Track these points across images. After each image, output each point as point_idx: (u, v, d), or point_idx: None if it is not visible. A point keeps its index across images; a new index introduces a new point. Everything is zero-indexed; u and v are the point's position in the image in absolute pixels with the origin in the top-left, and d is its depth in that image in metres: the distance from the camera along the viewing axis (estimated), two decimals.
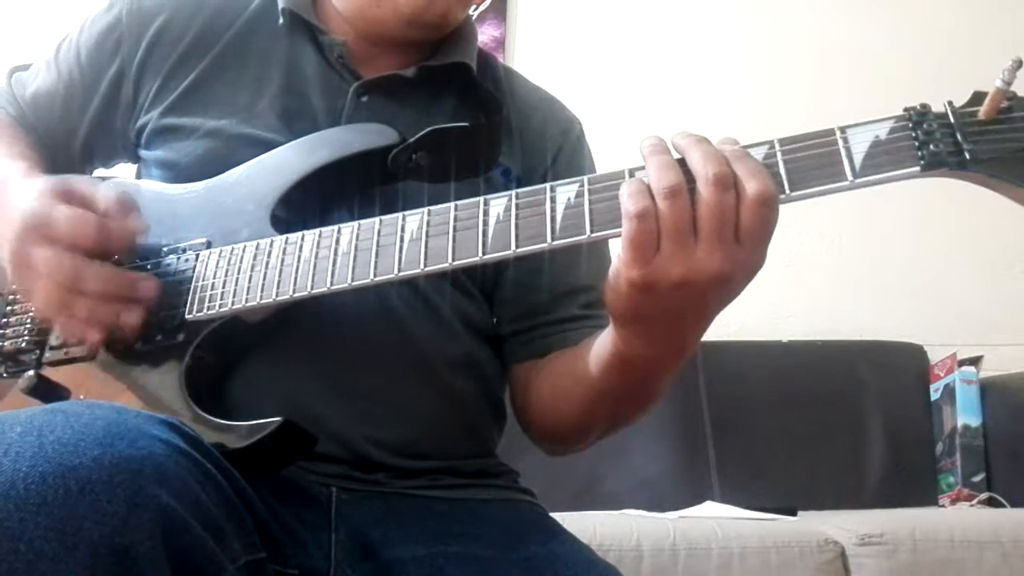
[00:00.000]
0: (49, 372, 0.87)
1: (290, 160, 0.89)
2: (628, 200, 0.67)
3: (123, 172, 1.06)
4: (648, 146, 0.69)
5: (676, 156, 0.69)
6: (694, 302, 0.69)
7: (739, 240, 0.66)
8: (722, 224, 0.66)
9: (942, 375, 2.32)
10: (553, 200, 0.73)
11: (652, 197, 0.66)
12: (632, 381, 0.82)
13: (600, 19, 2.72)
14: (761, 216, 0.66)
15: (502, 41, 2.68)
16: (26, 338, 0.89)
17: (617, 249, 0.70)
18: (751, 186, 0.65)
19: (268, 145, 0.92)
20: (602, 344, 0.81)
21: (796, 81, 2.65)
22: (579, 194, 0.72)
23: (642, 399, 0.87)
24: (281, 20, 0.99)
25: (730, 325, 2.40)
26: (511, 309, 1.00)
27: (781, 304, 2.47)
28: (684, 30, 2.73)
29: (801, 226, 2.39)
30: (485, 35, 2.62)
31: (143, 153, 1.00)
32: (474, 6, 1.02)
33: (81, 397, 0.85)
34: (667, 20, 2.73)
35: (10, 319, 0.92)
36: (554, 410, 0.94)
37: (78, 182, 0.86)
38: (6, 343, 0.90)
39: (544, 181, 0.97)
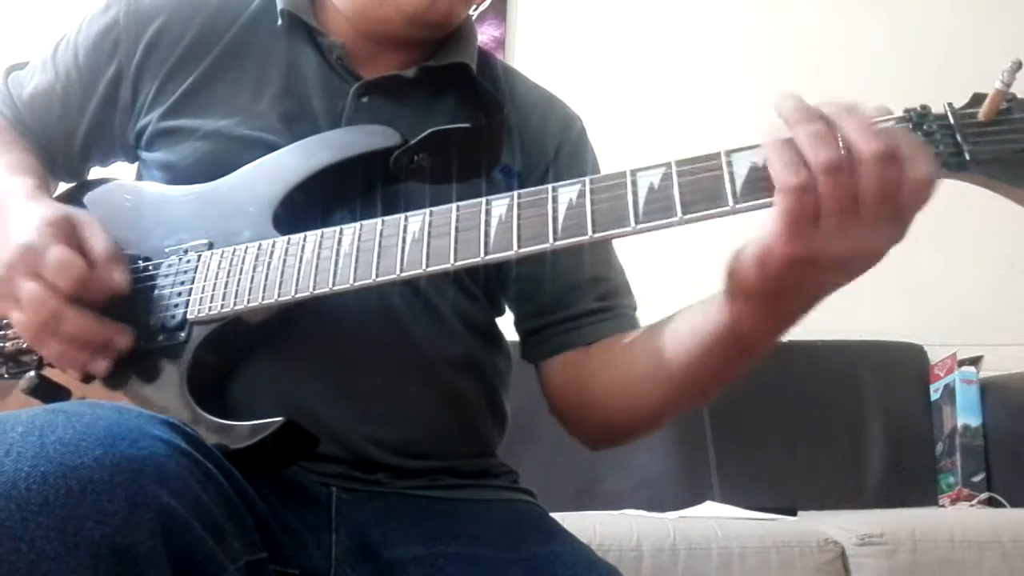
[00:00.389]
0: (50, 372, 0.87)
1: (292, 162, 0.89)
2: (785, 171, 0.63)
3: (121, 171, 1.06)
4: (794, 112, 0.65)
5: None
6: (838, 277, 0.68)
7: (897, 216, 0.64)
8: (885, 201, 0.63)
9: (942, 375, 2.32)
10: (555, 200, 0.73)
11: (810, 169, 0.63)
12: (732, 359, 0.80)
13: (600, 19, 2.73)
14: (923, 197, 0.63)
15: (502, 41, 2.68)
16: None
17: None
18: (919, 168, 0.63)
19: (268, 147, 0.92)
20: (698, 324, 0.78)
21: (796, 81, 2.63)
22: (581, 194, 0.73)
23: (729, 379, 0.84)
24: (280, 21, 0.99)
25: None
26: (525, 307, 1.00)
27: None
28: (684, 30, 2.73)
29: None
30: (485, 35, 2.62)
31: (143, 155, 1.00)
32: (475, 6, 1.02)
33: (82, 397, 0.85)
34: (667, 20, 2.73)
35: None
36: (622, 403, 0.92)
37: (80, 220, 0.86)
38: (7, 344, 0.90)
39: (546, 179, 0.98)
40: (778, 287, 0.69)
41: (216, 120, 0.95)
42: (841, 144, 0.63)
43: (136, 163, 1.04)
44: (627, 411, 0.93)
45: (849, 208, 0.63)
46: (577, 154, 1.05)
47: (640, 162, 0.72)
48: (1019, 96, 0.66)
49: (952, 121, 0.66)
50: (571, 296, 0.98)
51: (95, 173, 1.08)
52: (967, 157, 0.65)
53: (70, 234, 0.84)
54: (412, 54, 1.00)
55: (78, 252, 0.83)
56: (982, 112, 0.66)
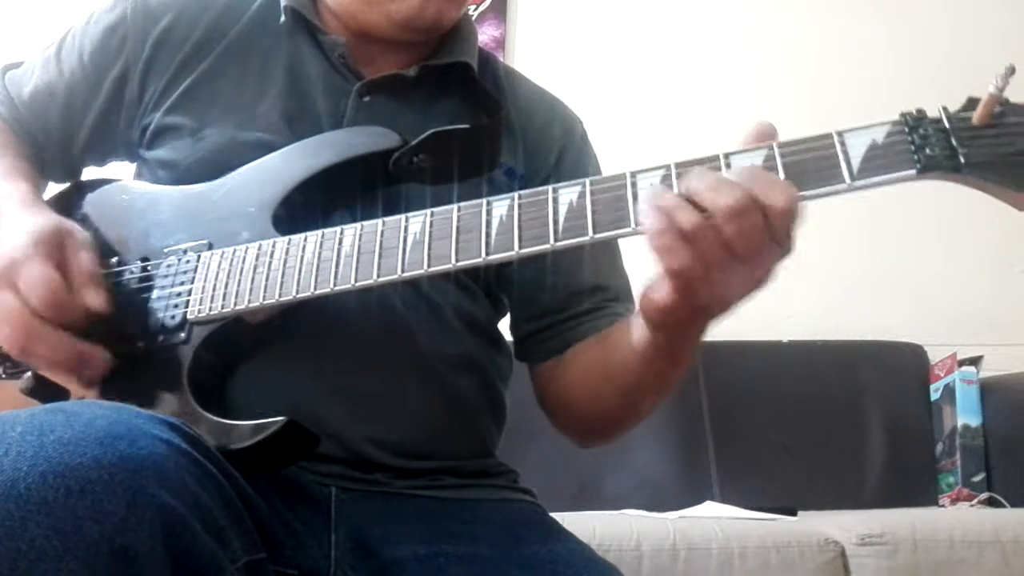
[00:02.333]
0: None
1: (292, 162, 0.89)
2: (666, 257, 0.67)
3: (118, 171, 1.06)
4: (651, 195, 0.69)
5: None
6: (741, 300, 0.71)
7: (776, 242, 0.67)
8: (755, 242, 0.66)
9: (942, 375, 2.32)
10: (556, 201, 0.73)
11: (684, 240, 0.67)
12: (667, 369, 0.84)
13: (600, 19, 2.73)
14: (793, 221, 0.67)
15: (502, 41, 2.68)
16: None
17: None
18: (777, 200, 0.66)
19: (269, 147, 0.91)
20: (637, 341, 0.82)
21: (796, 81, 2.65)
22: (581, 195, 0.73)
23: (673, 382, 0.88)
24: (283, 18, 0.99)
25: (730, 325, 2.40)
26: (524, 310, 1.01)
27: (781, 304, 2.47)
28: (684, 30, 2.73)
29: (800, 225, 2.39)
30: (485, 35, 2.62)
31: (145, 153, 1.00)
32: (474, 6, 1.03)
33: (81, 397, 0.85)
34: (667, 20, 2.73)
35: None
36: (590, 405, 0.96)
37: (68, 236, 0.85)
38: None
39: (548, 181, 0.98)
40: (683, 327, 0.75)
41: (218, 119, 0.95)
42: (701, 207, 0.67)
43: (135, 162, 1.04)
44: (592, 410, 0.96)
45: (726, 260, 0.67)
46: (580, 159, 1.05)
47: (640, 162, 0.72)
48: (1013, 100, 0.66)
49: (947, 125, 0.67)
50: (572, 300, 0.99)
51: (89, 173, 1.07)
52: (961, 160, 0.66)
53: (55, 250, 0.83)
54: (413, 53, 1.00)
55: (58, 270, 0.82)
56: (976, 116, 0.66)
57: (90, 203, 0.97)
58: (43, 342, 0.81)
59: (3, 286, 0.81)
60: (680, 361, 0.83)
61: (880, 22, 2.68)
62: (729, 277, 0.67)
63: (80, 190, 1.00)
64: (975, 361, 2.28)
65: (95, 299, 0.83)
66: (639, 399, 0.92)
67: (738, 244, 0.66)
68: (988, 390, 2.26)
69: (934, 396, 2.34)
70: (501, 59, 1.15)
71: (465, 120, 0.96)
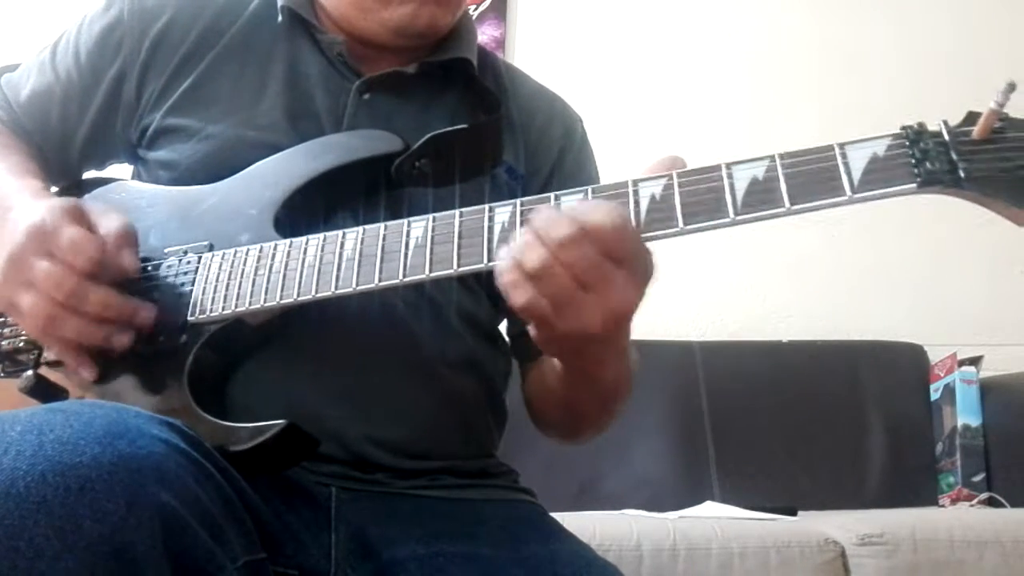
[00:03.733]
0: (47, 372, 0.86)
1: (294, 165, 0.89)
2: (514, 295, 0.70)
3: (118, 172, 1.06)
4: (518, 237, 0.70)
5: None
6: (614, 323, 0.72)
7: (621, 264, 0.69)
8: (596, 268, 0.68)
9: (942, 375, 2.32)
10: (557, 209, 0.73)
11: (528, 278, 0.69)
12: (588, 386, 0.86)
13: (600, 19, 2.73)
14: (621, 238, 0.68)
15: (502, 41, 2.67)
16: (24, 337, 0.89)
17: None
18: (591, 223, 0.67)
19: (271, 147, 0.91)
20: (550, 364, 0.85)
21: (796, 81, 2.65)
22: (583, 202, 0.73)
23: (606, 395, 0.89)
24: (280, 18, 0.99)
25: (730, 325, 2.40)
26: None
27: (781, 304, 2.47)
28: (684, 31, 2.73)
29: (801, 226, 2.39)
30: (485, 35, 2.62)
31: (146, 154, 0.99)
32: (473, 6, 1.03)
33: (80, 397, 0.85)
34: (667, 20, 2.73)
35: (8, 318, 0.92)
36: (543, 413, 0.99)
37: (89, 207, 0.85)
38: (4, 342, 0.89)
39: (549, 179, 0.99)
40: (571, 353, 0.78)
41: (219, 119, 0.95)
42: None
43: (134, 163, 1.04)
44: (550, 417, 0.99)
45: (574, 293, 0.68)
46: (580, 160, 1.06)
47: (639, 163, 0.73)
48: (1013, 116, 0.67)
49: (947, 139, 0.68)
50: None
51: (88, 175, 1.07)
52: (961, 175, 0.66)
53: (81, 218, 0.83)
54: (412, 51, 1.00)
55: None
56: (976, 131, 0.67)
57: (89, 202, 0.97)
58: (93, 296, 0.79)
59: (39, 253, 0.79)
60: (598, 379, 0.83)
61: (881, 22, 2.68)
62: (580, 308, 0.69)
63: (79, 190, 1.00)
64: (975, 361, 2.28)
65: (130, 258, 0.83)
66: (580, 411, 0.94)
67: (582, 275, 0.68)
68: (988, 390, 2.26)
69: (934, 396, 2.34)
70: (502, 58, 1.15)
71: (465, 117, 0.96)
